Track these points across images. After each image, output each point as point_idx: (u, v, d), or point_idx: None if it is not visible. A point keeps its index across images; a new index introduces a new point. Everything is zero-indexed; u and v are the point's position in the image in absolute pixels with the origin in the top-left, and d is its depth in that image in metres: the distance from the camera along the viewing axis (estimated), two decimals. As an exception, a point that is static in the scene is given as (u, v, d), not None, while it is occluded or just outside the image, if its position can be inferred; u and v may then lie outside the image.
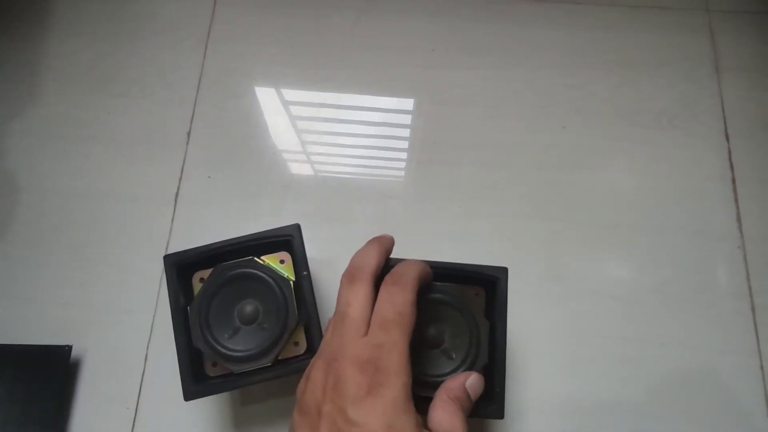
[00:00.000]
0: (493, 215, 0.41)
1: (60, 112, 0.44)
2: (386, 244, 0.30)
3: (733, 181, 0.42)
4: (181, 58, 0.46)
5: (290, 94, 0.45)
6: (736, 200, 0.42)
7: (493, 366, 0.29)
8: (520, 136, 0.44)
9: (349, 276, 0.28)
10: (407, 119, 0.45)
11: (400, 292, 0.26)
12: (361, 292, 0.27)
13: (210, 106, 0.44)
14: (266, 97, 0.45)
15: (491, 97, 0.45)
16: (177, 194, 0.42)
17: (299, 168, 0.43)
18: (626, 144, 0.44)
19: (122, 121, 0.44)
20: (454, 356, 0.29)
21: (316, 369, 0.26)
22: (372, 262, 0.28)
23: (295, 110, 0.45)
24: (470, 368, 0.28)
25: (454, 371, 0.28)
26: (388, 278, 0.27)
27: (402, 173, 0.43)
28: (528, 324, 0.38)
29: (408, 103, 0.45)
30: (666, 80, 0.45)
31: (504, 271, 0.30)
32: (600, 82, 0.45)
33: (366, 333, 0.25)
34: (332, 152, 0.44)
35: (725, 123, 0.44)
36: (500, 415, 0.28)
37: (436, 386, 0.28)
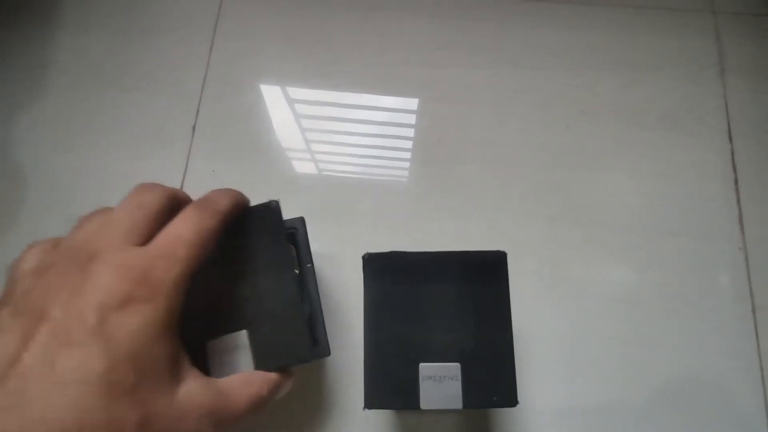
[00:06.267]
0: (496, 214, 0.42)
1: (68, 106, 0.45)
2: (241, 200, 0.26)
3: (736, 182, 0.42)
4: (187, 54, 0.46)
5: (295, 91, 0.46)
6: (738, 201, 0.42)
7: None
8: (524, 135, 0.44)
9: (166, 188, 0.23)
10: (411, 118, 0.45)
11: (206, 217, 0.23)
12: (162, 200, 0.22)
13: (215, 101, 0.45)
14: (271, 94, 0.45)
15: (496, 96, 0.45)
16: (181, 187, 0.42)
17: (302, 165, 0.43)
18: (630, 145, 0.44)
19: (129, 115, 0.44)
20: None
21: (53, 262, 0.20)
22: (221, 202, 0.24)
23: (299, 108, 0.45)
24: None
25: None
26: (197, 201, 0.24)
27: (405, 172, 0.43)
28: (527, 324, 0.38)
29: (412, 102, 0.45)
30: (671, 82, 0.45)
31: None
32: (605, 83, 0.46)
33: (140, 245, 0.21)
34: (336, 150, 0.44)
35: (729, 125, 0.44)
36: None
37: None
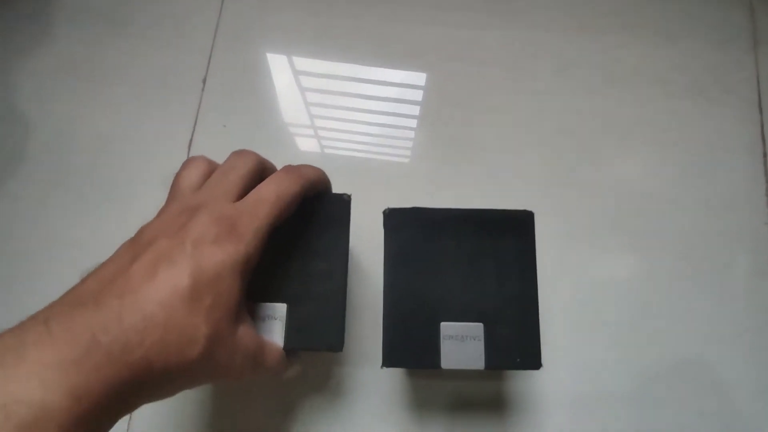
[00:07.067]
0: (509, 180, 0.40)
1: (74, 52, 0.43)
2: (324, 178, 0.29)
3: (765, 155, 0.41)
4: (198, 5, 0.44)
5: (301, 62, 0.44)
6: (765, 174, 0.40)
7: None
8: (540, 100, 0.42)
9: (255, 154, 0.27)
10: (421, 82, 0.43)
11: (289, 180, 0.26)
12: (251, 165, 0.27)
13: (227, 53, 0.43)
14: (278, 63, 0.43)
15: (511, 59, 0.43)
16: (191, 141, 0.41)
17: (305, 143, 0.42)
18: (653, 112, 0.42)
19: (137, 64, 0.43)
20: None
21: (170, 210, 0.25)
22: (306, 171, 0.27)
23: (304, 80, 0.43)
24: None
25: None
26: (285, 167, 0.27)
27: (410, 144, 0.42)
28: (540, 292, 0.37)
29: (421, 77, 0.43)
30: (700, 50, 0.44)
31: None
32: (627, 48, 0.44)
33: (235, 201, 0.25)
34: (343, 128, 0.42)
35: (759, 96, 0.42)
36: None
37: None
